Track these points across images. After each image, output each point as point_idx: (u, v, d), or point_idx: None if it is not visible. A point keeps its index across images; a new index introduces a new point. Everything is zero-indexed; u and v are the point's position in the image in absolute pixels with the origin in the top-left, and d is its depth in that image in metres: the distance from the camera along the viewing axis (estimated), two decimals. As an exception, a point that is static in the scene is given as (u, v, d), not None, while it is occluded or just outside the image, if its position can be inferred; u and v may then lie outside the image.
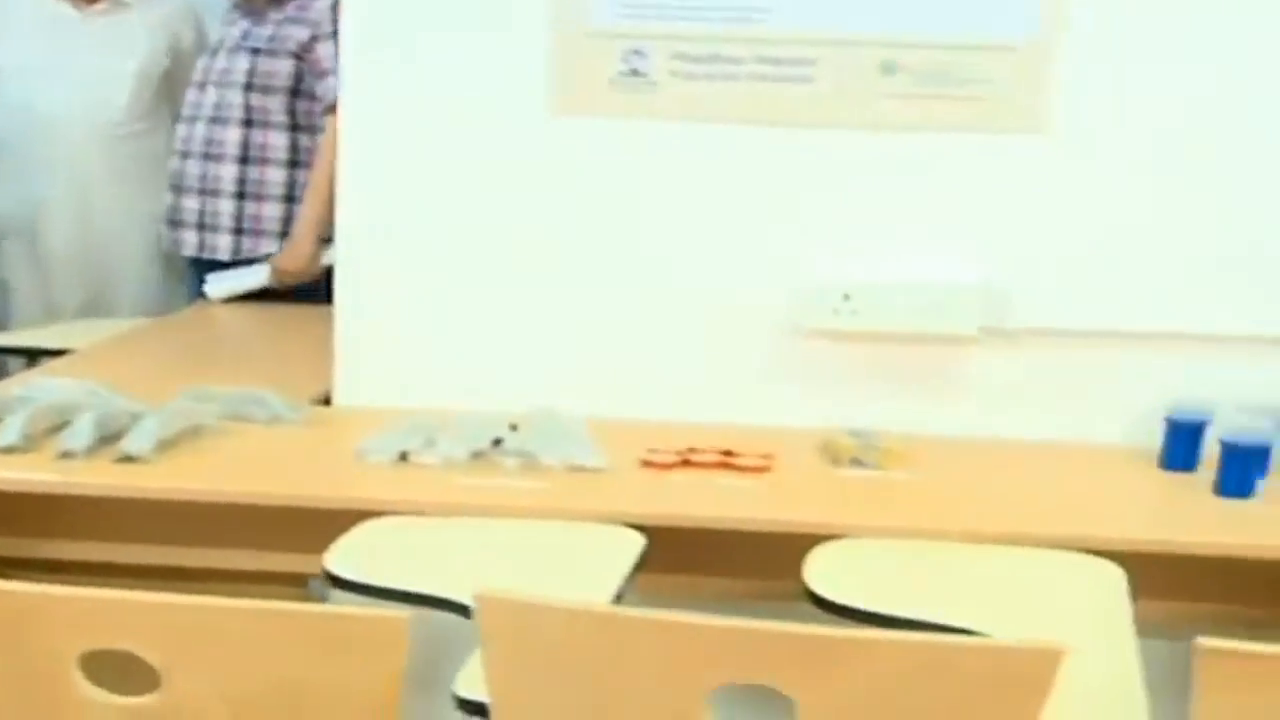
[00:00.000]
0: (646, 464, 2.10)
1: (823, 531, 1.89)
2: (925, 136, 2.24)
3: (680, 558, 1.93)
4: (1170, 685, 1.47)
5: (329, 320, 2.40)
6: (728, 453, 2.12)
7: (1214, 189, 2.24)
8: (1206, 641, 1.23)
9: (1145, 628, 1.66)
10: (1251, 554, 1.90)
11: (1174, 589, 1.97)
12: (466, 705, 1.47)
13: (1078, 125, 2.23)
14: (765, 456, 2.13)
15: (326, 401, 2.41)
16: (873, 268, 2.27)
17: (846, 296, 2.25)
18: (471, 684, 1.46)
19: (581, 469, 2.07)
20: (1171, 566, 1.90)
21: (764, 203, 2.29)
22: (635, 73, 2.21)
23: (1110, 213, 2.26)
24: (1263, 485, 2.08)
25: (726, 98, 2.24)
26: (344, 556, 1.79)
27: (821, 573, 1.78)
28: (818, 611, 1.72)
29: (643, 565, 1.82)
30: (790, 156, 2.27)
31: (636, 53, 2.20)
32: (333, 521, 1.87)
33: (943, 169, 2.26)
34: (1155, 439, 2.19)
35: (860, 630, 1.25)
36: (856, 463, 2.14)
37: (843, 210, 2.28)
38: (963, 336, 2.28)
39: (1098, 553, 1.85)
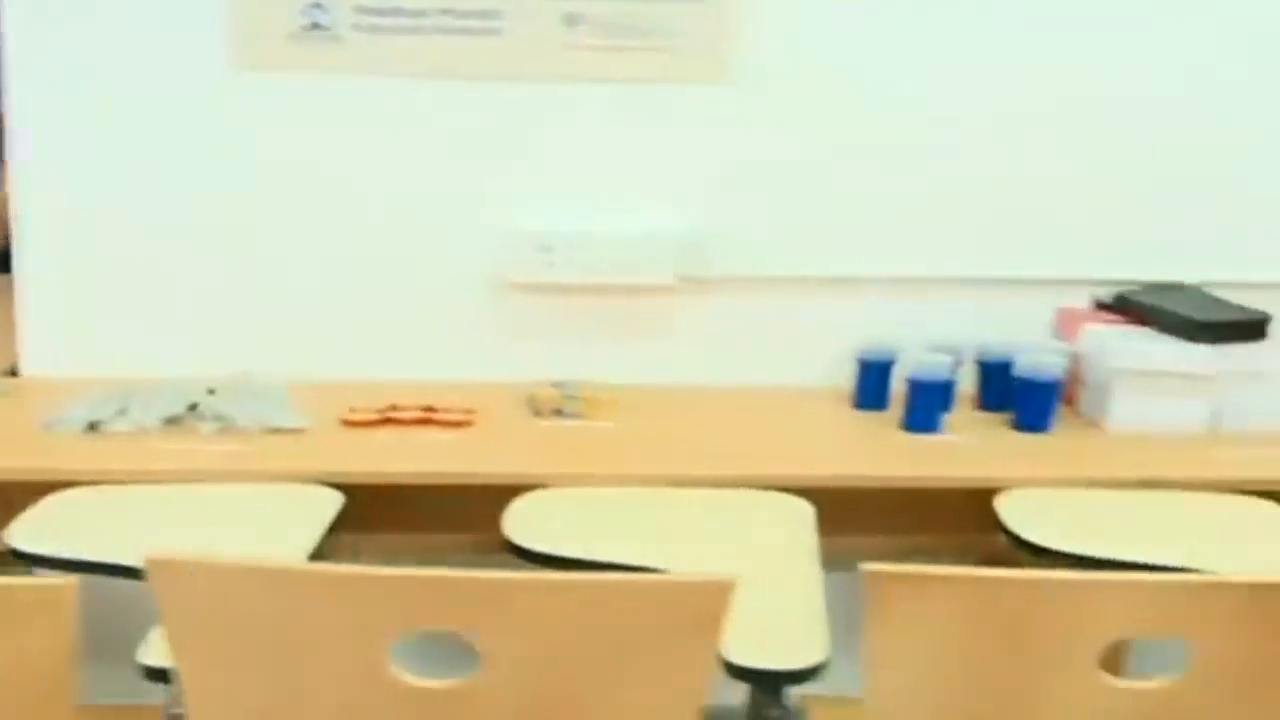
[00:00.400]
0: (347, 423, 2.08)
1: (525, 482, 1.90)
2: (613, 88, 2.26)
3: (384, 515, 1.92)
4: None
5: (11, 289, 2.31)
6: (429, 409, 2.12)
7: (893, 134, 2.31)
8: (871, 566, 1.27)
9: (837, 560, 1.71)
10: (934, 485, 1.98)
11: (864, 523, 2.04)
12: (151, 673, 1.44)
13: (759, 74, 2.27)
14: (468, 411, 2.12)
15: (14, 373, 2.32)
16: (571, 220, 2.28)
17: (546, 249, 2.26)
18: (155, 651, 1.43)
19: (280, 431, 2.04)
20: (861, 501, 1.97)
21: (457, 157, 2.28)
22: (316, 26, 2.16)
23: (795, 161, 2.31)
24: (947, 419, 2.17)
25: (412, 51, 2.21)
26: (27, 529, 1.72)
27: (520, 522, 1.79)
28: (521, 562, 1.73)
29: (344, 524, 1.80)
30: (481, 110, 2.26)
31: (316, 5, 2.15)
32: (21, 495, 1.80)
33: (634, 120, 2.28)
34: (849, 380, 2.27)
35: (536, 573, 1.26)
36: (559, 414, 2.15)
37: (538, 163, 2.29)
38: (661, 286, 2.31)
39: (791, 490, 1.91)
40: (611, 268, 2.28)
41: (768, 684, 1.48)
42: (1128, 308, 2.28)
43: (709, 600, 1.25)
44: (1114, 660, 1.69)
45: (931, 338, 2.25)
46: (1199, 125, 2.36)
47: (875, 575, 1.27)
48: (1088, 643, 1.30)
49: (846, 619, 1.54)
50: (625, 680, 1.31)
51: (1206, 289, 2.35)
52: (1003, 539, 1.84)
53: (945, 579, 1.27)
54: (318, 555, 1.69)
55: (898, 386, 2.21)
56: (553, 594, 1.26)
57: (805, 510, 1.85)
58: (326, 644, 1.27)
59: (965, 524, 1.97)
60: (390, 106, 2.24)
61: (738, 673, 1.46)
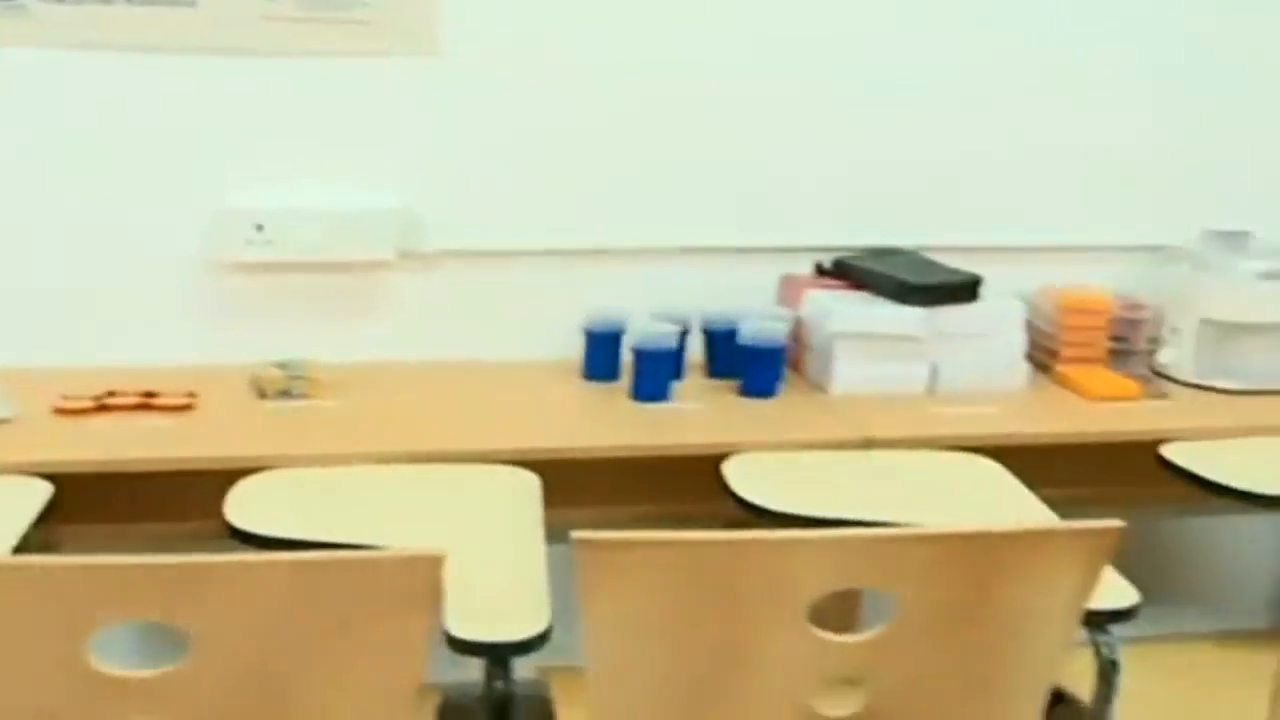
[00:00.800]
0: (60, 411, 2.01)
1: (249, 465, 1.86)
2: (319, 61, 2.22)
3: (103, 506, 1.87)
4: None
5: None
6: (149, 394, 2.06)
7: (613, 104, 2.33)
8: (581, 534, 1.27)
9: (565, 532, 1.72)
10: (661, 453, 2.00)
11: (594, 493, 2.05)
12: None
13: (469, 46, 2.26)
14: (189, 395, 2.07)
15: None
16: (285, 196, 2.24)
17: (259, 227, 2.21)
18: None
19: (-14, 421, 1.96)
20: (590, 471, 1.98)
21: (161, 134, 2.22)
22: (1, -2, 2.08)
23: (512, 132, 2.31)
24: (677, 388, 2.19)
25: (104, 23, 2.13)
26: None
27: (242, 506, 1.75)
28: (244, 547, 1.69)
29: (58, 517, 1.74)
30: (183, 85, 2.20)
31: (2, -24, 2.07)
32: None
33: (341, 95, 2.24)
34: (580, 352, 2.27)
35: (241, 555, 1.23)
36: (284, 394, 2.11)
37: (245, 140, 2.24)
38: (381, 262, 2.28)
39: (518, 463, 1.90)
40: (329, 245, 2.24)
41: (491, 656, 1.47)
42: (847, 273, 2.34)
43: (420, 576, 1.24)
44: (849, 613, 1.74)
45: (659, 307, 2.27)
46: (916, 97, 2.42)
47: (585, 543, 1.28)
48: (795, 598, 1.33)
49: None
50: (341, 660, 1.29)
51: (924, 253, 2.42)
52: (731, 503, 1.87)
53: (653, 544, 1.28)
54: (23, 549, 1.63)
55: (627, 357, 2.22)
56: (258, 576, 1.23)
57: (532, 483, 1.85)
58: (19, 640, 1.23)
59: (697, 491, 1.99)
60: (88, 82, 2.17)
61: (461, 646, 1.45)
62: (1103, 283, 2.46)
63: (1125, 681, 1.69)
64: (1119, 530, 1.37)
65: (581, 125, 2.32)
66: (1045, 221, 2.51)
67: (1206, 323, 2.34)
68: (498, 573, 1.59)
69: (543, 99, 2.30)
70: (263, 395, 2.11)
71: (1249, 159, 2.57)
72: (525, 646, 1.45)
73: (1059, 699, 1.96)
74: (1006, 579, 1.36)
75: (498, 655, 1.47)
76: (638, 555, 1.30)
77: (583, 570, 1.30)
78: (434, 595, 1.26)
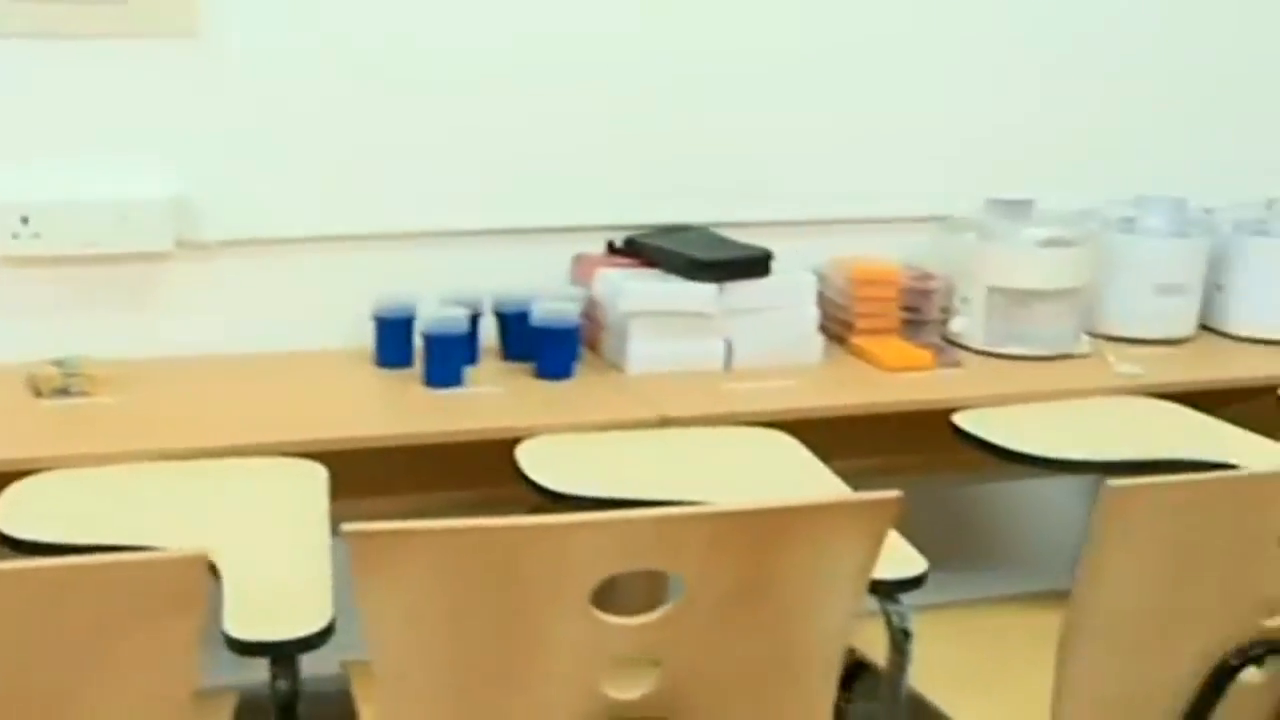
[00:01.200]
0: None
1: (25, 468, 1.79)
2: (77, 45, 2.12)
3: None
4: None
5: None
6: (-86, 398, 1.97)
7: (391, 83, 2.27)
8: (350, 526, 1.24)
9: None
10: (454, 439, 1.97)
11: (388, 483, 2.02)
12: None
13: (232, 26, 2.19)
14: (-42, 397, 1.98)
15: None
16: (50, 189, 2.15)
17: (25, 220, 2.12)
18: None
19: None
20: (382, 461, 1.95)
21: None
22: None
23: (286, 116, 2.24)
24: (471, 372, 2.16)
25: None
26: None
27: (13, 511, 1.68)
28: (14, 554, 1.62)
29: None
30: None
31: None
32: None
33: (104, 79, 2.15)
34: (373, 339, 2.23)
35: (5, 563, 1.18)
36: (62, 393, 2.04)
37: (4, 129, 2.14)
38: (159, 253, 2.21)
39: (307, 455, 1.86)
40: (102, 237, 2.16)
41: (273, 655, 1.43)
42: (639, 251, 2.33)
43: (183, 577, 1.20)
44: (655, 592, 1.74)
45: (451, 290, 2.24)
46: (703, 74, 2.42)
47: (357, 536, 1.24)
48: (577, 582, 1.31)
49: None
50: (106, 668, 1.25)
51: (716, 229, 2.42)
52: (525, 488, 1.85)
53: (426, 533, 1.25)
54: None
55: (420, 343, 2.19)
56: (15, 584, 1.18)
57: (319, 474, 1.81)
58: None
59: (497, 476, 1.96)
60: None
61: (240, 647, 1.40)
62: (894, 254, 2.49)
63: (925, 647, 1.71)
64: (899, 500, 1.38)
65: (358, 105, 2.26)
66: (836, 194, 2.53)
67: (994, 290, 2.37)
68: (280, 569, 1.55)
69: (313, 80, 2.23)
70: (39, 394, 2.03)
71: (1030, 125, 2.62)
72: (307, 644, 1.41)
73: (861, 668, 1.98)
74: (790, 554, 1.36)
75: (279, 654, 1.42)
76: (413, 545, 1.27)
77: (357, 564, 1.27)
78: (198, 597, 1.21)
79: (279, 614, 1.45)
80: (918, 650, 1.66)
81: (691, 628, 1.38)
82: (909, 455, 2.33)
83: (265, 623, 1.43)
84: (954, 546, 2.74)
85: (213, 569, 1.52)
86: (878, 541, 1.42)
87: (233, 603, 1.45)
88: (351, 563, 1.26)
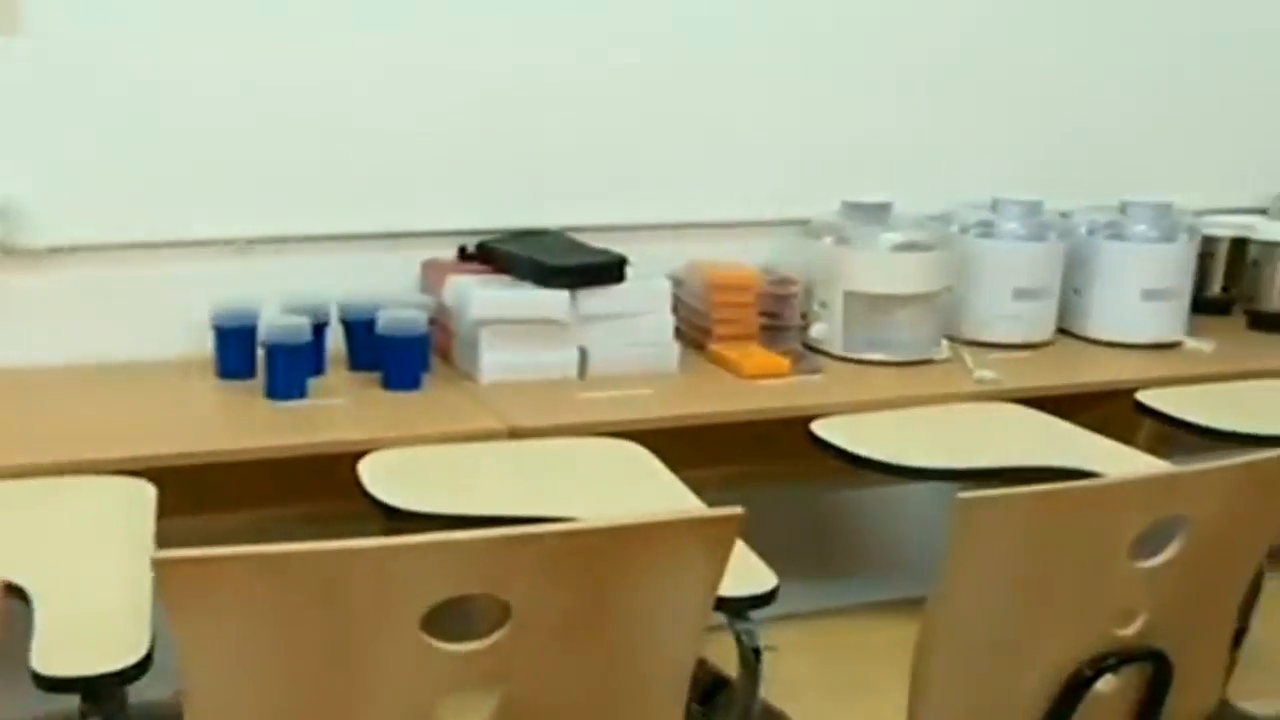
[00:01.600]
0: None
1: None
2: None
3: None
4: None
5: None
6: None
7: (222, 84, 2.19)
8: (161, 554, 1.17)
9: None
10: (293, 454, 1.89)
11: (226, 499, 1.96)
12: None
13: (54, 24, 2.09)
14: None
15: None
16: None
17: None
18: None
19: None
20: (218, 477, 1.87)
21: None
22: None
23: (117, 117, 2.15)
24: (316, 383, 2.08)
25: None
26: None
27: None
28: None
29: None
30: None
31: None
32: None
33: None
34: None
35: None
36: (-124, 409, 1.93)
37: None
38: (-19, 260, 2.11)
39: (136, 473, 1.77)
40: (-82, 244, 2.06)
41: (82, 691, 1.35)
42: (490, 257, 2.27)
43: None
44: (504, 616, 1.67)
45: (296, 298, 2.16)
46: (555, 77, 2.37)
47: (165, 564, 1.17)
48: (406, 607, 1.25)
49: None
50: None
51: (570, 234, 2.37)
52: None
53: (242, 559, 1.18)
54: None
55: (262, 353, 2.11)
56: None
57: (146, 494, 1.72)
58: None
59: (345, 490, 1.88)
60: None
61: (46, 684, 1.32)
62: (753, 258, 2.46)
63: (783, 658, 1.67)
64: (739, 516, 1.33)
65: (194, 107, 2.18)
66: (692, 198, 2.49)
67: (851, 295, 2.35)
68: (97, 598, 1.46)
69: (145, 81, 2.14)
70: None
71: (888, 128, 2.60)
72: (121, 677, 1.33)
73: (722, 682, 1.94)
74: (627, 574, 1.31)
75: (89, 689, 1.34)
76: (225, 572, 1.19)
77: (166, 592, 1.20)
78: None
79: (92, 646, 1.37)
80: (775, 662, 1.63)
81: (525, 653, 1.32)
82: (768, 464, 2.30)
83: (74, 656, 1.34)
84: (817, 555, 2.71)
85: (24, 597, 1.44)
86: (722, 559, 1.37)
87: (44, 635, 1.37)
88: (161, 591, 1.19)
